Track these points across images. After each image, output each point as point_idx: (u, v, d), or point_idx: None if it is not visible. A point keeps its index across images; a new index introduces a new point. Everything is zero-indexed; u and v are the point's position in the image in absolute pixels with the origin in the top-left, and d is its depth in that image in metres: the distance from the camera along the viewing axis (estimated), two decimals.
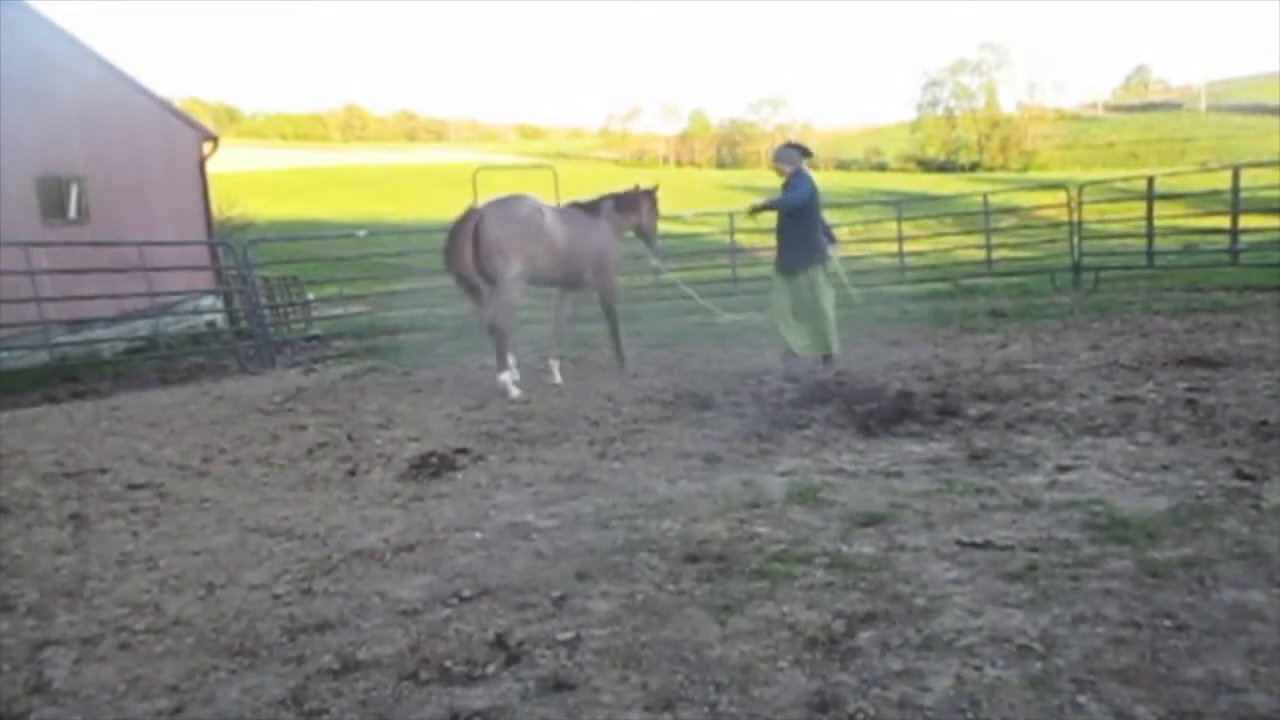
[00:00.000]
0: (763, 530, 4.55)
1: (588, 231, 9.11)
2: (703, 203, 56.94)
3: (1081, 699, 2.84)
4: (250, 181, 63.25)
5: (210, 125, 22.25)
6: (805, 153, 9.23)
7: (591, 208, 9.47)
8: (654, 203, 10.05)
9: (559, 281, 9.21)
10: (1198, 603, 3.42)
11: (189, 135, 19.63)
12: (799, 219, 8.77)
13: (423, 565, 4.45)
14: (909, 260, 18.78)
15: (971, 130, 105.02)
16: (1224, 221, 16.07)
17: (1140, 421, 6.11)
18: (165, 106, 19.22)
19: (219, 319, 17.96)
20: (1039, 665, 3.06)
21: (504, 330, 8.59)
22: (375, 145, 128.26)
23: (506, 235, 8.37)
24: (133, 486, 6.38)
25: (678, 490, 5.37)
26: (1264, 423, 5.81)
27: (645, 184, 10.14)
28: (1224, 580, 3.60)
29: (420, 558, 4.55)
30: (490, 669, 3.31)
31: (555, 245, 8.66)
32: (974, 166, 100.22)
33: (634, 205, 9.80)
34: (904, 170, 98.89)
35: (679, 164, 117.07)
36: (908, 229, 19.54)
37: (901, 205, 20.35)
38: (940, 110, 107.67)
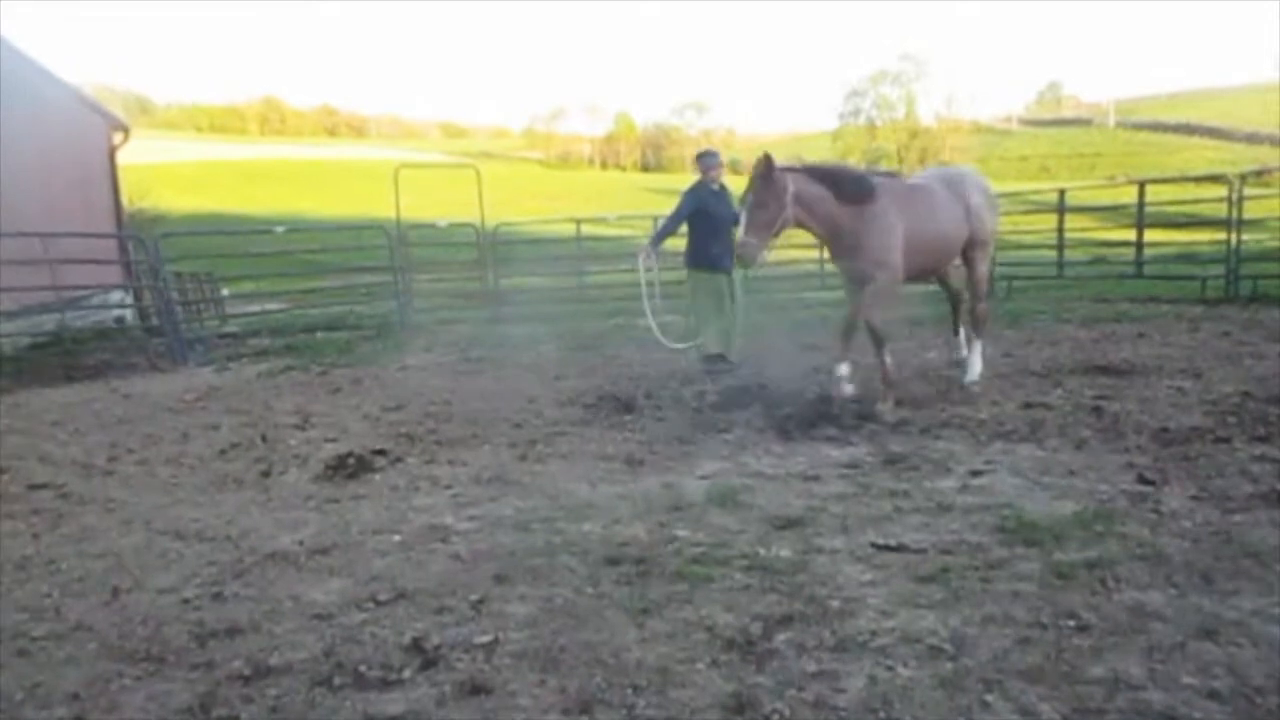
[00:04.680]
0: (682, 533, 4.58)
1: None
2: (627, 205, 57.08)
3: (989, 698, 2.92)
4: (163, 174, 61.48)
5: (121, 115, 21.55)
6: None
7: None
8: None
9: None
10: (1100, 603, 3.54)
11: (98, 124, 18.96)
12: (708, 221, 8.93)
13: (338, 568, 4.38)
14: (828, 267, 19.02)
15: (891, 140, 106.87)
16: (1130, 234, 16.64)
17: (1049, 428, 6.29)
18: (73, 94, 18.55)
19: (128, 314, 17.37)
20: (949, 665, 3.13)
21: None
22: (294, 139, 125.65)
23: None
24: (34, 487, 6.17)
25: (598, 493, 5.37)
26: (1165, 430, 6.04)
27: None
28: (1125, 582, 3.73)
29: (335, 561, 4.48)
30: (406, 673, 3.28)
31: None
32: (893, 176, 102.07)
33: None
34: None
35: (604, 165, 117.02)
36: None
37: None
38: (861, 119, 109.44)
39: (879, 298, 7.09)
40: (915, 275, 7.56)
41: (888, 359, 7.27)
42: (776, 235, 6.90)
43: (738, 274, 8.97)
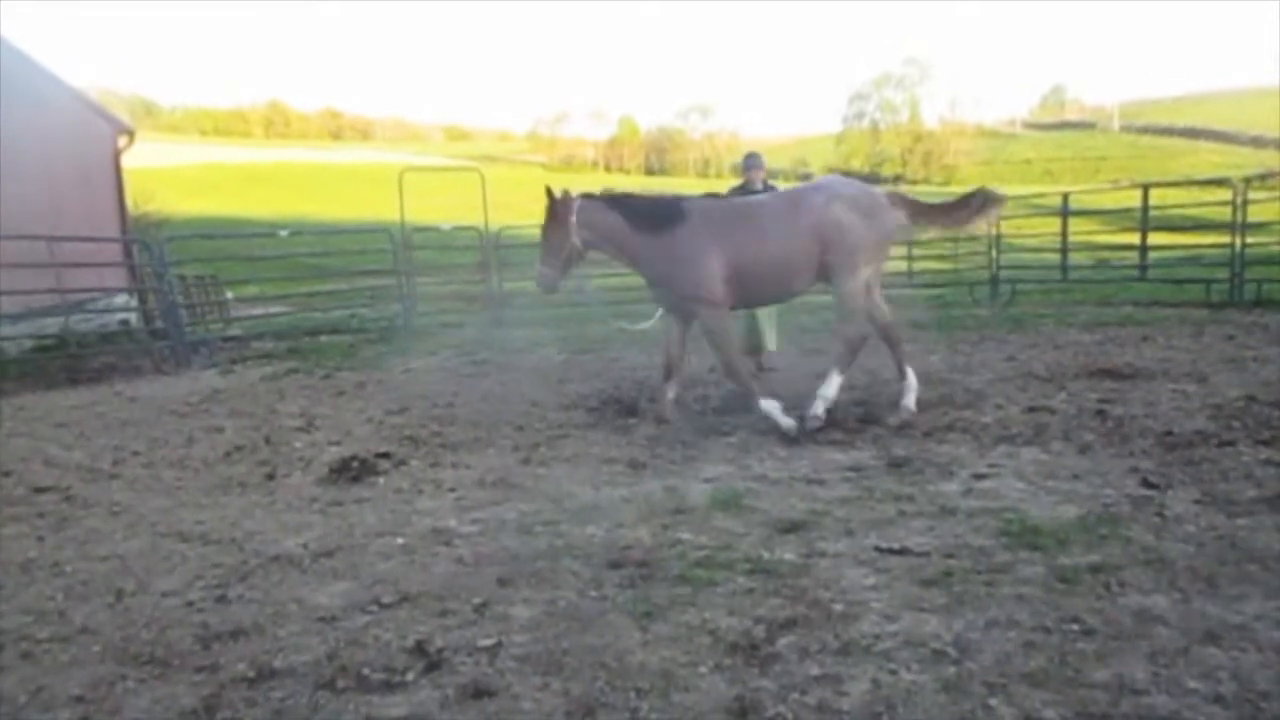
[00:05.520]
0: (686, 536, 4.58)
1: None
2: None
3: (993, 702, 2.91)
4: (168, 177, 61.68)
5: (126, 118, 21.60)
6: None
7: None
8: None
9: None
10: (1104, 608, 3.53)
11: (103, 128, 19.01)
12: None
13: (342, 571, 4.38)
14: None
15: (895, 144, 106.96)
16: (1134, 238, 16.63)
17: (1053, 431, 6.29)
18: (78, 98, 18.60)
19: (133, 318, 17.40)
20: (953, 669, 3.12)
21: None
22: (299, 143, 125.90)
23: None
24: (38, 490, 6.18)
25: (602, 496, 5.37)
26: (1169, 433, 6.03)
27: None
28: (1129, 586, 3.72)
29: (339, 564, 4.48)
30: (409, 676, 3.28)
31: None
32: (897, 179, 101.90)
33: None
34: None
35: (608, 169, 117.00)
36: None
37: None
38: (865, 123, 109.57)
39: (719, 333, 6.93)
40: (754, 300, 7.34)
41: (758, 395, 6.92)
42: (570, 262, 7.03)
43: None
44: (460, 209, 25.01)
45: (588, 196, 7.11)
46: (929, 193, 79.25)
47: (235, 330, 16.34)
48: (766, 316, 9.01)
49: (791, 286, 7.09)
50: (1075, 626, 3.39)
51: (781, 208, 7.01)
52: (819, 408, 6.65)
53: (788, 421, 6.60)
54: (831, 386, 6.79)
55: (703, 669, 3.23)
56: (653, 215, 6.94)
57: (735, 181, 9.50)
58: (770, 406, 6.72)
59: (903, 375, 7.19)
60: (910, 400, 7.04)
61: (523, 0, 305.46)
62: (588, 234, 6.96)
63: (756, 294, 7.11)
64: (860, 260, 6.86)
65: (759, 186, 8.97)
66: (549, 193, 7.02)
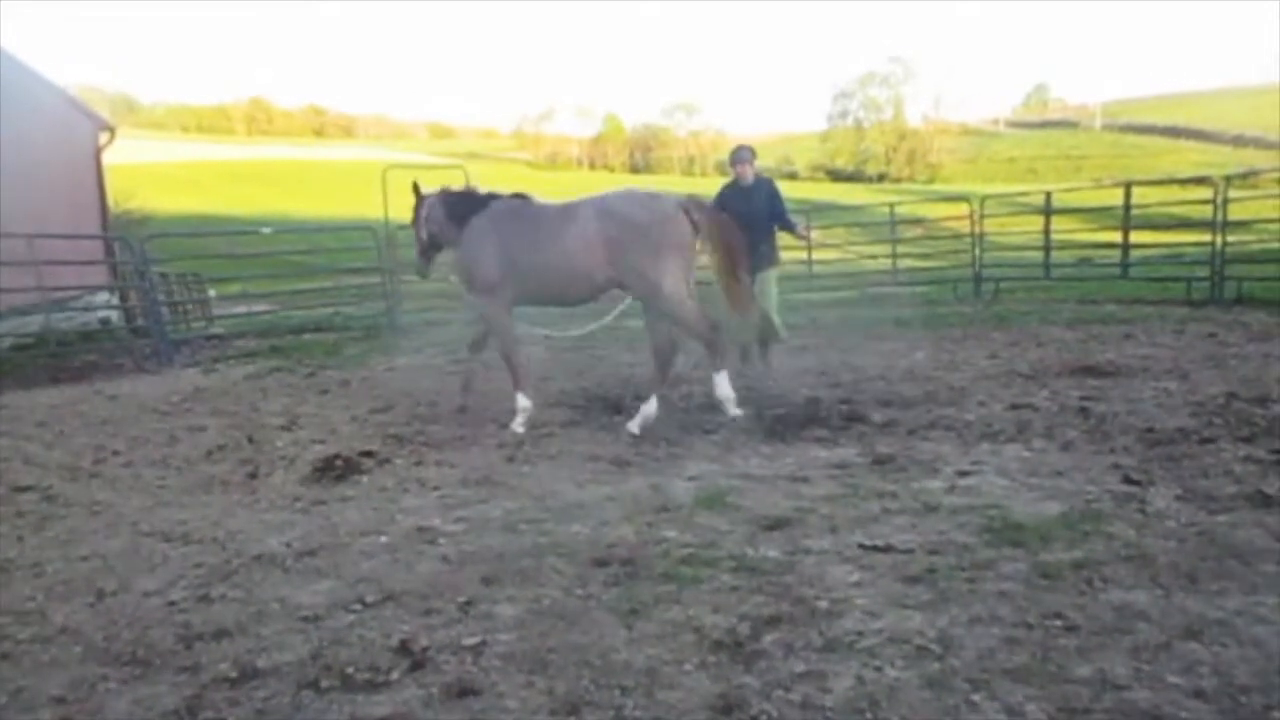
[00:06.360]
0: (670, 534, 4.58)
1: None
2: None
3: (976, 698, 2.93)
4: (149, 174, 61.30)
5: (107, 115, 21.44)
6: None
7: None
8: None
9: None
10: (1086, 603, 3.55)
11: (84, 125, 18.88)
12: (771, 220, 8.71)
13: (325, 570, 4.36)
14: (817, 268, 19.15)
15: (879, 142, 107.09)
16: (1116, 236, 16.75)
17: (1035, 428, 6.31)
18: (59, 94, 18.45)
19: (114, 316, 17.29)
20: (936, 665, 3.14)
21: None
22: (281, 140, 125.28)
23: None
24: (18, 489, 6.14)
25: (586, 494, 5.37)
26: (1150, 430, 6.06)
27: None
28: (1111, 582, 3.74)
29: (323, 563, 4.46)
30: (394, 675, 3.27)
31: None
32: (881, 177, 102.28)
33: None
34: (814, 179, 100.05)
35: (592, 167, 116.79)
36: (817, 237, 19.84)
37: (811, 214, 20.63)
38: (850, 121, 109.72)
39: (493, 321, 7.42)
40: (532, 300, 7.45)
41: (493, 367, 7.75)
42: (430, 251, 7.99)
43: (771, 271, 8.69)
44: None
45: (438, 194, 7.83)
46: (912, 191, 78.99)
47: (218, 328, 16.25)
48: (773, 308, 8.86)
49: (567, 293, 7.15)
50: (1058, 622, 3.40)
51: (555, 218, 7.04)
52: (730, 408, 6.93)
53: (524, 404, 7.24)
54: (723, 386, 6.96)
55: (687, 666, 3.23)
56: (459, 210, 7.53)
57: (724, 178, 9.34)
58: (524, 403, 7.25)
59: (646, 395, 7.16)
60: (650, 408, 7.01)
61: None
62: (432, 227, 7.75)
63: (531, 295, 7.32)
64: (661, 272, 6.66)
65: (749, 181, 8.79)
66: (415, 190, 7.93)
